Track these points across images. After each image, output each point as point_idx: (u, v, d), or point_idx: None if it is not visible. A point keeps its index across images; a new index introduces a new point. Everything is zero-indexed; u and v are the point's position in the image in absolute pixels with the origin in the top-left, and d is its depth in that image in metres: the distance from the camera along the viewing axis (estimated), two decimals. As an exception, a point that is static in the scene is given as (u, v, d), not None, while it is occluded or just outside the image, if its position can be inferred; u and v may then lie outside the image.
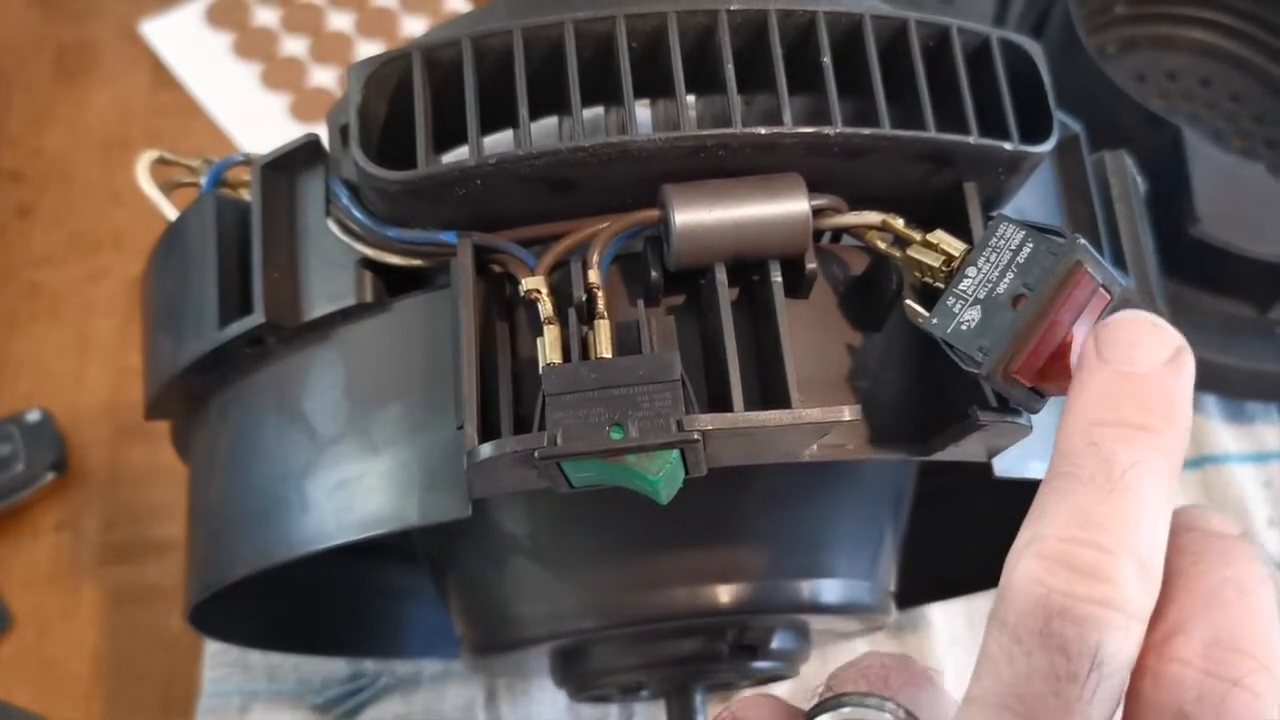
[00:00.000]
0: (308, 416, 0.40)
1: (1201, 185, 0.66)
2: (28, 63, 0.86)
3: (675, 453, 0.32)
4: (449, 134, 0.37)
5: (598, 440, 0.32)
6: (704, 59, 0.36)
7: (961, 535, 0.56)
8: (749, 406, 0.34)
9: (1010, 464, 0.38)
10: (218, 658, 0.63)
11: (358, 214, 0.38)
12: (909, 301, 0.35)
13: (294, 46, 0.89)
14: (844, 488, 0.46)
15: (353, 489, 0.39)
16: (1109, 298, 0.34)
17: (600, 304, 0.35)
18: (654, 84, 0.37)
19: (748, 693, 0.58)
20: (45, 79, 0.86)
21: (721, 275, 0.35)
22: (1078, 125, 0.45)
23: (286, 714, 0.62)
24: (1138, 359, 0.30)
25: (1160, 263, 0.48)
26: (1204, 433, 0.72)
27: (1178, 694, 0.28)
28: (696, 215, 0.35)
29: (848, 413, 0.34)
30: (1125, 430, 0.29)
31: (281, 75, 0.87)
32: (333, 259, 0.39)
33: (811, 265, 0.36)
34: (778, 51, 0.36)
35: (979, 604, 0.65)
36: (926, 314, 0.34)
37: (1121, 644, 0.27)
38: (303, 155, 0.41)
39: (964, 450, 0.37)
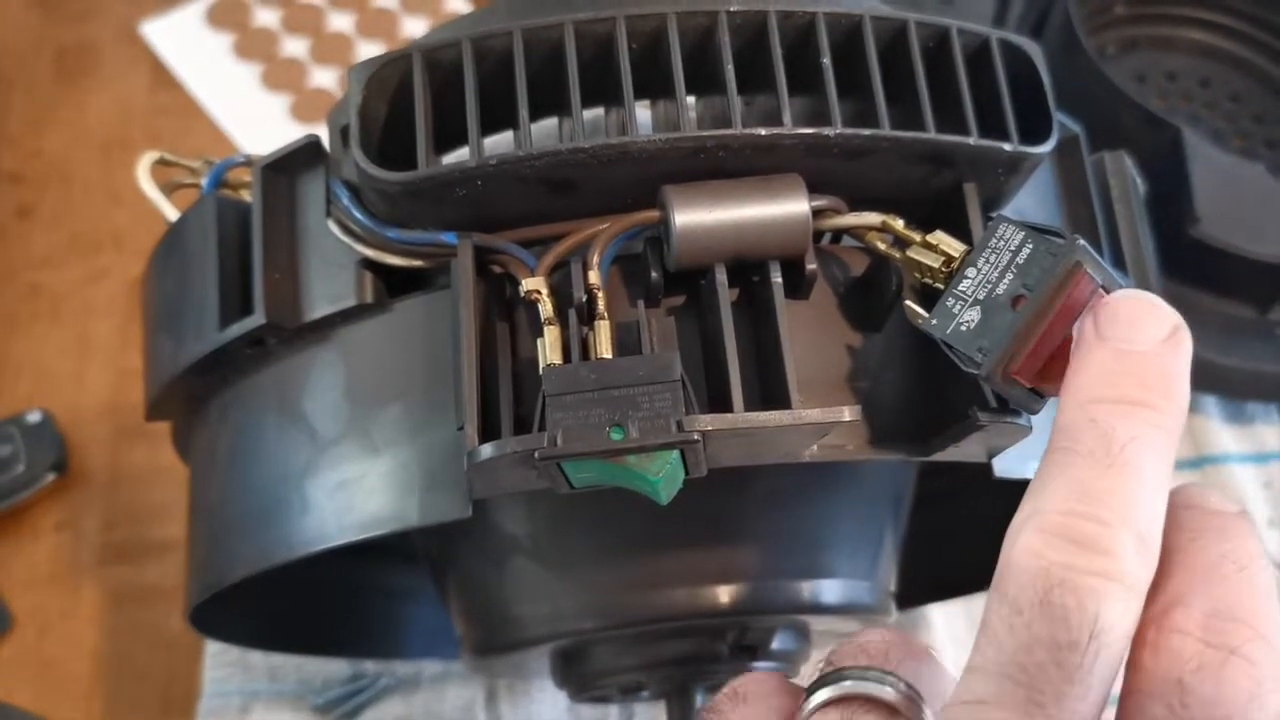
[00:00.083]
0: (308, 417, 0.40)
1: (1201, 186, 0.66)
2: (28, 63, 0.86)
3: (675, 453, 0.32)
4: (449, 135, 0.37)
5: (598, 441, 0.32)
6: (704, 60, 0.36)
7: (962, 536, 0.56)
8: (749, 407, 0.34)
9: (1010, 464, 0.38)
10: (218, 658, 0.63)
11: (358, 215, 0.38)
12: (909, 302, 0.35)
13: (294, 47, 0.89)
14: (844, 488, 0.46)
15: (353, 490, 0.39)
16: (1109, 298, 0.34)
17: (600, 304, 0.35)
18: (654, 85, 0.37)
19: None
20: (45, 80, 0.86)
21: (721, 276, 0.35)
22: (1077, 126, 0.45)
23: (287, 714, 0.62)
24: (1136, 336, 0.31)
25: (1160, 263, 0.48)
26: (1204, 433, 0.72)
27: (1177, 664, 0.28)
28: (696, 216, 0.35)
29: (848, 413, 0.34)
30: (1124, 406, 0.30)
31: (282, 76, 0.87)
32: (333, 260, 0.39)
33: (811, 266, 0.36)
34: (777, 52, 0.36)
35: (979, 604, 0.64)
36: (926, 315, 0.34)
37: (1121, 615, 0.28)
38: (303, 156, 0.41)
39: (964, 451, 0.37)
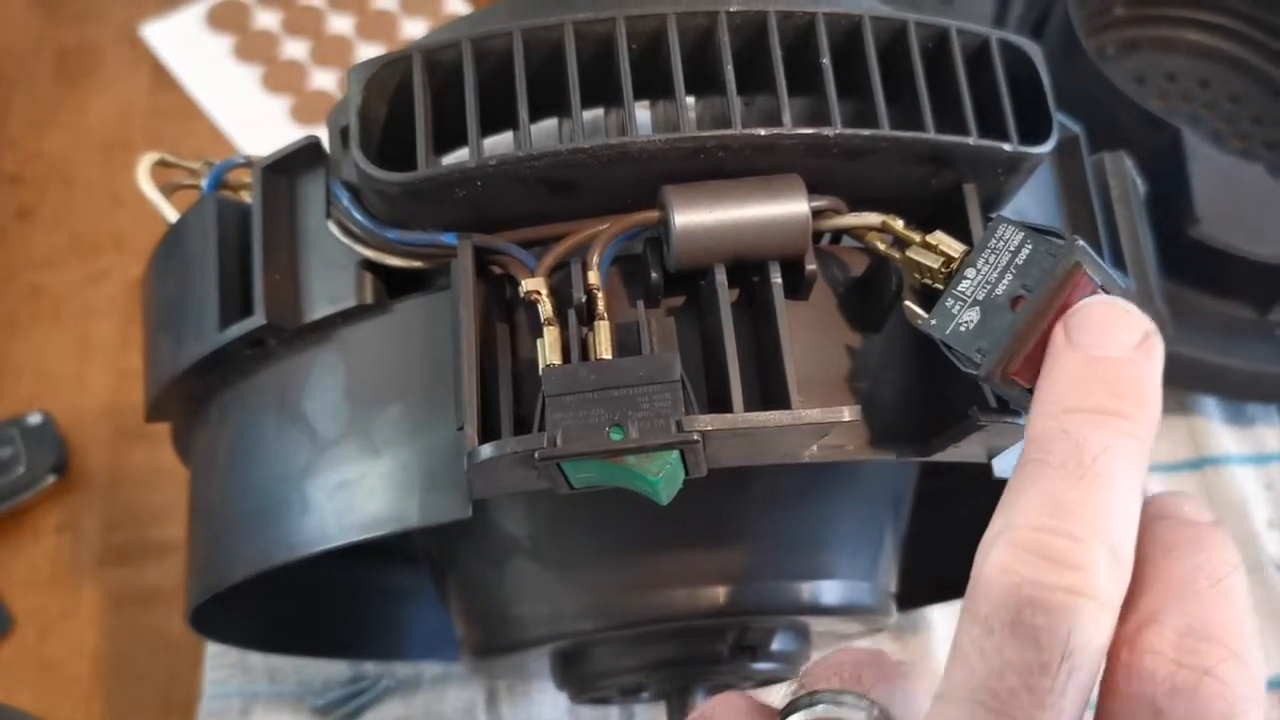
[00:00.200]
0: (308, 418, 0.40)
1: (1201, 186, 0.66)
2: (28, 65, 0.87)
3: (675, 453, 0.32)
4: (449, 136, 0.37)
5: (597, 441, 0.32)
6: (704, 60, 0.36)
7: (962, 536, 0.56)
8: (749, 407, 0.34)
9: (1010, 465, 0.38)
10: (218, 660, 0.63)
11: (358, 216, 0.38)
12: (908, 303, 0.35)
13: (295, 49, 0.89)
14: (844, 489, 0.46)
15: (353, 490, 0.39)
16: (1108, 299, 0.34)
17: (600, 305, 0.35)
18: (654, 85, 0.37)
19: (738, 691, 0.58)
20: (46, 81, 0.86)
21: (721, 276, 0.36)
22: (1077, 126, 0.45)
23: (287, 716, 0.62)
24: (1108, 343, 0.30)
25: (1160, 264, 0.48)
26: (1204, 434, 0.72)
27: (1151, 686, 0.28)
28: (696, 216, 0.35)
29: (847, 413, 0.34)
30: (1096, 416, 0.29)
31: (282, 78, 0.87)
32: (333, 260, 0.39)
33: (811, 266, 0.36)
34: (777, 53, 0.36)
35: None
36: (925, 315, 0.34)
37: (1093, 633, 0.28)
38: (303, 157, 0.41)
39: (964, 451, 0.37)
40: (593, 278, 0.35)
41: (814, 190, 0.36)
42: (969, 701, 0.28)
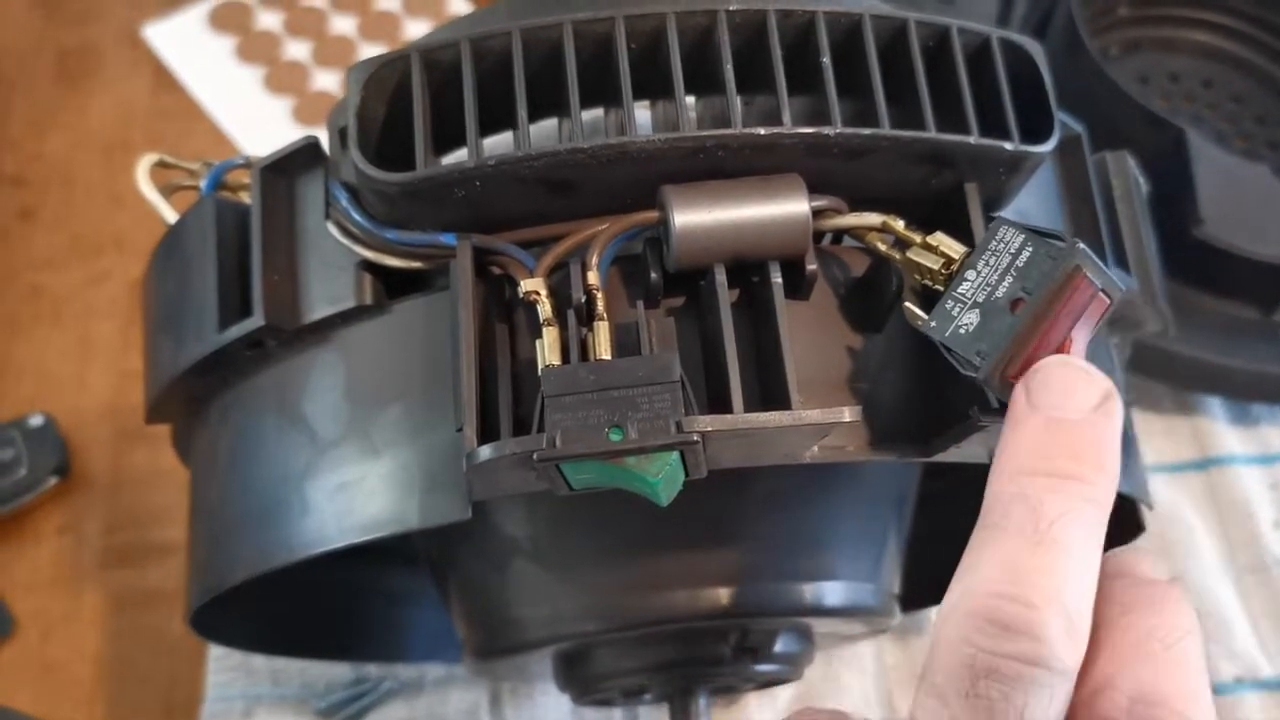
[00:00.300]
0: (308, 419, 0.40)
1: (1205, 187, 0.66)
2: (29, 66, 0.86)
3: (675, 454, 0.32)
4: (448, 136, 0.37)
5: (597, 442, 0.32)
6: (703, 59, 0.36)
7: (965, 537, 0.56)
8: (749, 408, 0.34)
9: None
10: (221, 662, 0.63)
11: (357, 216, 0.38)
12: (908, 304, 0.35)
13: (297, 50, 0.89)
14: (845, 489, 0.46)
15: (353, 492, 0.39)
16: (1108, 302, 0.33)
17: (599, 305, 0.35)
18: (653, 85, 0.37)
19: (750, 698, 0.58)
20: (47, 82, 0.86)
21: (721, 276, 0.35)
22: (1079, 126, 0.45)
23: (290, 719, 0.62)
24: (1068, 404, 0.31)
25: (1163, 264, 0.48)
26: (1209, 435, 0.72)
27: None
28: (696, 216, 0.35)
29: (848, 414, 0.34)
30: (1054, 480, 0.30)
31: (284, 79, 0.87)
32: (332, 261, 0.39)
33: (812, 266, 0.36)
34: (777, 52, 0.36)
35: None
36: (925, 317, 0.34)
37: (1048, 702, 0.28)
38: (302, 158, 0.41)
39: (965, 452, 0.37)
40: (592, 278, 0.35)
41: (814, 190, 0.36)
42: None
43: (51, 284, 0.77)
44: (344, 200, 0.39)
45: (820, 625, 0.49)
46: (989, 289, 0.34)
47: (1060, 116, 0.39)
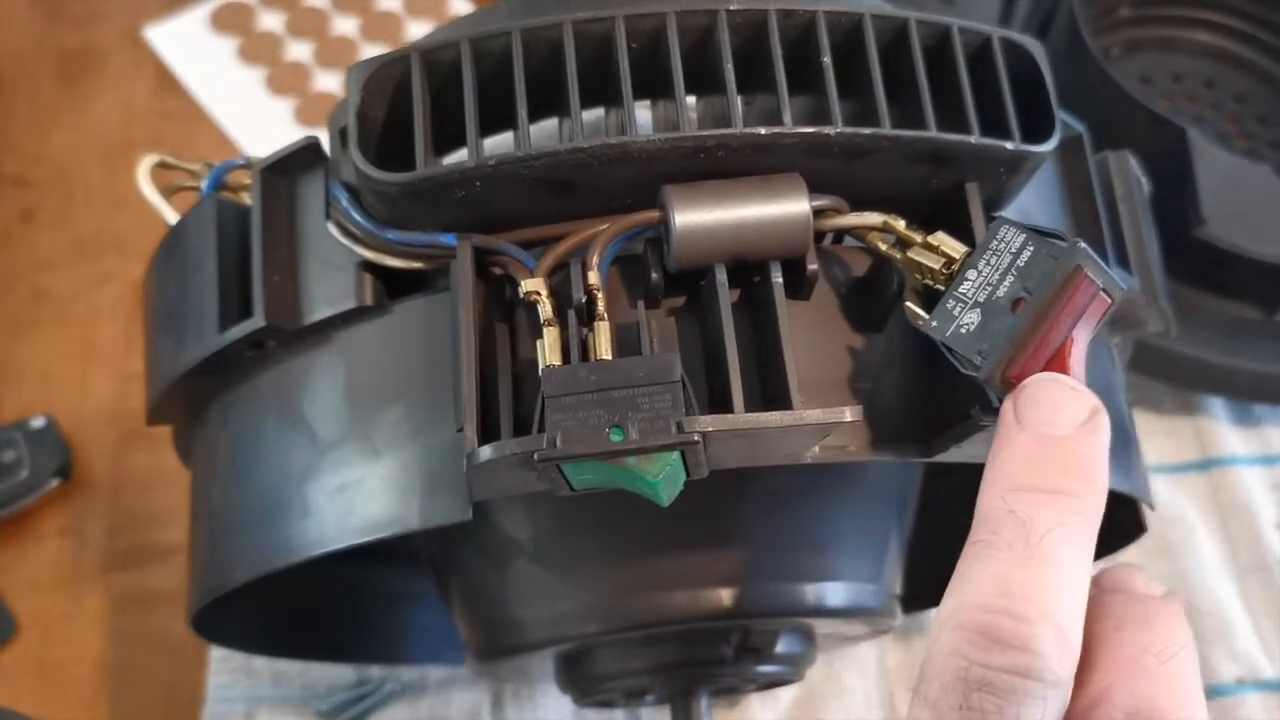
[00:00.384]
0: (308, 420, 0.40)
1: (1206, 187, 0.66)
2: (31, 68, 0.86)
3: (675, 455, 0.32)
4: (448, 136, 0.37)
5: (597, 442, 0.32)
6: (704, 59, 0.36)
7: (967, 537, 0.56)
8: (750, 408, 0.34)
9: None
10: (222, 664, 0.63)
11: (357, 217, 0.38)
12: (909, 304, 0.35)
13: (299, 51, 0.89)
14: (847, 489, 0.46)
15: (354, 492, 0.39)
16: (1109, 302, 0.33)
17: (600, 305, 0.35)
18: (654, 85, 0.37)
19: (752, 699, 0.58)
20: (49, 84, 0.86)
21: (722, 276, 0.35)
22: (1081, 125, 0.45)
23: (291, 720, 0.62)
24: (1056, 420, 0.31)
25: (1165, 264, 0.48)
26: (1211, 435, 0.72)
27: None
28: (696, 216, 0.35)
29: (849, 414, 0.33)
30: (1043, 495, 0.30)
31: (286, 80, 0.87)
32: (333, 262, 0.39)
33: (813, 266, 0.36)
34: (777, 52, 0.36)
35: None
36: (926, 316, 0.34)
37: (1041, 716, 0.28)
38: (302, 158, 0.41)
39: (966, 452, 0.37)
40: (592, 278, 0.35)
41: (815, 190, 0.36)
42: None
43: (53, 285, 0.77)
44: (344, 200, 0.39)
45: (822, 626, 0.49)
46: (990, 289, 0.34)
47: (1061, 116, 0.39)
